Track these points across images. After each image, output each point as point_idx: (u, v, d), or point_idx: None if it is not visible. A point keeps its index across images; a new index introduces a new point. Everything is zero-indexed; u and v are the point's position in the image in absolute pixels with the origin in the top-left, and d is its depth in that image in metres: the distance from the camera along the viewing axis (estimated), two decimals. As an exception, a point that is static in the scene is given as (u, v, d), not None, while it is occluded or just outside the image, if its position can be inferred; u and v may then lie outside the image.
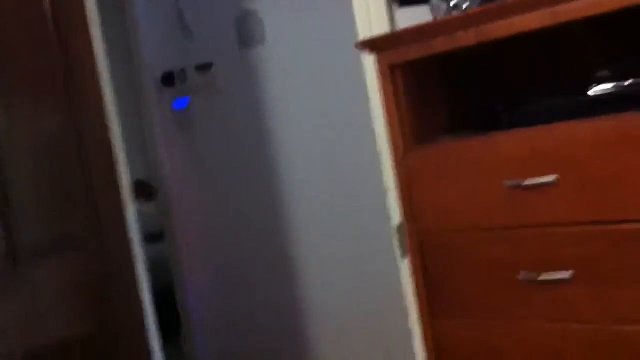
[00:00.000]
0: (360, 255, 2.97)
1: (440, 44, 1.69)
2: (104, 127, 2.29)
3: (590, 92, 1.59)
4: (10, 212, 2.02)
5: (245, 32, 3.13)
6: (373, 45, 1.86)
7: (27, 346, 2.02)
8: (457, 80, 1.93)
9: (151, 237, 3.61)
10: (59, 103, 2.14)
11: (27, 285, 2.06)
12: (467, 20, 1.63)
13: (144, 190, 5.36)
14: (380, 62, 1.81)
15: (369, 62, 2.27)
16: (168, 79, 3.38)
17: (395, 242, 2.44)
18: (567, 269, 1.55)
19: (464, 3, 1.74)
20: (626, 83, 1.56)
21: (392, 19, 2.25)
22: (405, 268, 2.38)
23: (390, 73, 1.79)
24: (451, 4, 1.74)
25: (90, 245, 2.19)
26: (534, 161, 1.58)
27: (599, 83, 1.60)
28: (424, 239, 1.81)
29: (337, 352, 3.11)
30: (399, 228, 2.41)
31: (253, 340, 3.33)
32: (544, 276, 1.58)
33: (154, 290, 2.63)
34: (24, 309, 2.03)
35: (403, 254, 2.40)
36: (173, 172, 3.50)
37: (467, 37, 1.63)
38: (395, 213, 2.40)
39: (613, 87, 1.58)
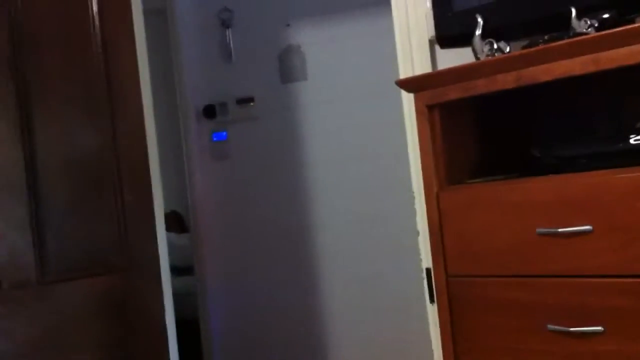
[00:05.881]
0: (391, 300, 2.93)
1: (480, 86, 1.68)
2: (142, 151, 2.29)
3: (632, 141, 1.56)
4: (42, 228, 2.03)
5: (288, 67, 3.16)
6: (413, 84, 1.85)
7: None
8: (492, 121, 1.92)
9: (177, 270, 3.60)
10: (99, 122, 2.16)
11: (54, 305, 2.05)
12: (507, 63, 1.61)
13: (178, 221, 5.40)
14: (418, 101, 1.80)
15: (408, 101, 2.27)
16: (209, 111, 3.41)
17: (425, 287, 2.41)
18: (597, 322, 1.51)
19: (506, 47, 1.74)
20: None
21: (434, 59, 2.26)
22: (433, 313, 2.35)
23: (428, 112, 1.79)
24: (494, 46, 1.73)
25: (119, 269, 2.18)
26: (565, 209, 1.54)
27: (637, 134, 1.58)
28: (452, 283, 1.77)
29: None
30: (428, 272, 2.38)
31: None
32: (574, 328, 1.54)
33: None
34: (49, 330, 2.02)
35: (432, 299, 2.36)
36: (208, 204, 3.51)
37: (506, 81, 1.62)
38: (425, 256, 2.38)
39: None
